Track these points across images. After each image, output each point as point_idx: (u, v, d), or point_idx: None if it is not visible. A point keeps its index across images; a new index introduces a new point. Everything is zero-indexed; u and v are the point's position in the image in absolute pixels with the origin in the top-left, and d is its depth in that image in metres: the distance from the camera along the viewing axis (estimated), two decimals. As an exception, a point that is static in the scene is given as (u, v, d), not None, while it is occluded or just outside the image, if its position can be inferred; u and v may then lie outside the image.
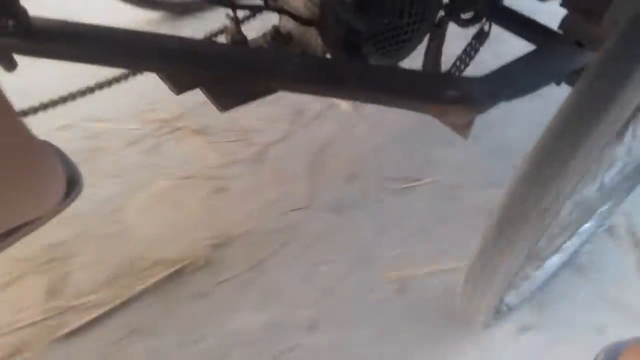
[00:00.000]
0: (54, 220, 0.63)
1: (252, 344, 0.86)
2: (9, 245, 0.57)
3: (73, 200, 0.63)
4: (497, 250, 0.59)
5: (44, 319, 0.85)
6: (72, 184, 0.63)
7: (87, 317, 0.86)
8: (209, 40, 0.85)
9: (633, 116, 0.72)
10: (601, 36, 0.65)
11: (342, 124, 1.29)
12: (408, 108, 0.66)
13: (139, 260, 0.95)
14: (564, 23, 0.70)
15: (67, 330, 0.84)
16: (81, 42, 0.68)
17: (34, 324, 0.85)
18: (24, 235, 0.58)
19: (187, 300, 0.91)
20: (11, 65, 0.63)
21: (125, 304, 0.88)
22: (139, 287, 0.90)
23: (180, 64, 0.69)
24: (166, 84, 0.76)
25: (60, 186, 0.61)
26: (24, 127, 0.55)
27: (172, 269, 0.94)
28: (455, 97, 0.62)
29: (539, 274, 0.92)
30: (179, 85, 0.75)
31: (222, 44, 0.75)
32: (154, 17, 1.64)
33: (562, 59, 0.72)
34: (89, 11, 1.59)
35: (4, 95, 0.51)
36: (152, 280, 0.91)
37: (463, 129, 0.67)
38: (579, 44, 0.72)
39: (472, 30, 0.84)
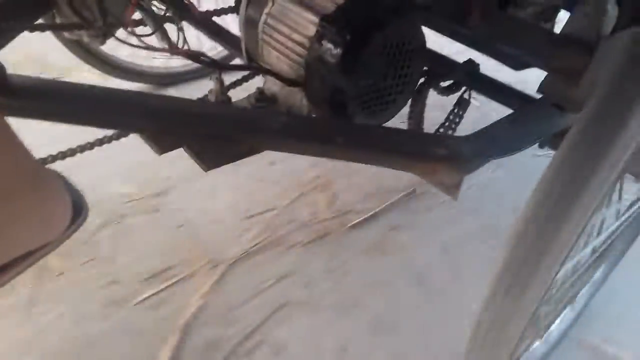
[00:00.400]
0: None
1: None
2: (18, 273, 0.56)
3: (79, 226, 0.64)
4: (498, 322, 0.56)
5: (332, 218, 1.22)
6: (78, 211, 0.64)
7: (361, 217, 1.22)
8: (194, 100, 0.85)
9: (619, 178, 0.72)
10: (580, 98, 0.66)
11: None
12: (396, 167, 0.65)
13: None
14: (542, 86, 0.72)
15: (349, 224, 1.21)
16: (60, 101, 0.67)
17: (325, 220, 1.21)
18: (32, 263, 0.58)
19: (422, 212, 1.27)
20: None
21: (384, 210, 1.26)
22: (388, 202, 1.28)
23: (164, 123, 0.68)
24: (148, 144, 0.74)
25: (67, 212, 0.62)
26: (29, 155, 0.55)
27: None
28: (444, 155, 0.61)
29: (539, 347, 0.88)
30: (162, 145, 0.73)
31: (206, 103, 0.75)
32: (139, 89, 1.65)
33: (542, 121, 0.74)
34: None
35: (7, 124, 0.51)
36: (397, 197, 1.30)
37: (452, 190, 0.66)
38: (559, 107, 0.74)
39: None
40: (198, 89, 1.65)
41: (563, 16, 0.75)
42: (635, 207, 0.85)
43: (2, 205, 0.51)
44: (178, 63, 1.64)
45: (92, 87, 0.69)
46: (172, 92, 1.65)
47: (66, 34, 1.06)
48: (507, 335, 0.56)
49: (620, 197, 0.79)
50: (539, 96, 0.77)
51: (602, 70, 0.61)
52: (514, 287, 0.53)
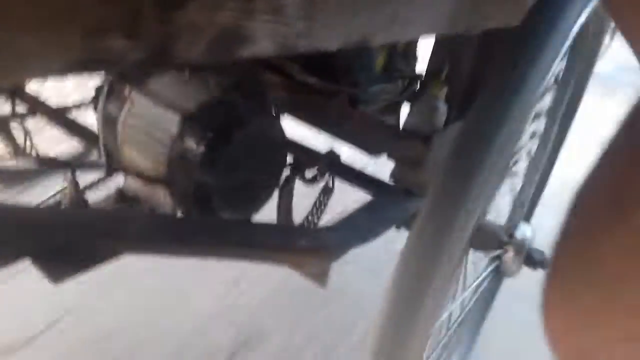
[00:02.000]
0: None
1: None
2: None
3: None
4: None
5: None
6: None
7: None
8: (38, 206, 0.78)
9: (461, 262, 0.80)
10: (424, 183, 0.74)
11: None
12: (263, 260, 0.65)
13: None
14: (392, 174, 0.79)
15: None
16: None
17: None
18: None
19: None
20: None
21: None
22: None
23: (1, 233, 0.61)
24: (-17, 257, 0.65)
25: None
26: None
27: None
28: (307, 246, 0.63)
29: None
30: (3, 258, 0.65)
31: (53, 208, 0.69)
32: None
33: (396, 207, 0.80)
34: None
35: None
36: None
37: (320, 278, 0.67)
38: (406, 191, 0.81)
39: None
40: (50, 188, 1.52)
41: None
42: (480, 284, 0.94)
43: None
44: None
45: None
46: (19, 191, 1.51)
47: None
48: None
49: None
50: (391, 183, 0.84)
51: (438, 158, 0.69)
52: None
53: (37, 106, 0.91)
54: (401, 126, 0.83)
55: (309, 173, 0.90)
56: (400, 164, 0.76)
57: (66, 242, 0.62)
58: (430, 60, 0.76)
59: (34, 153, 0.68)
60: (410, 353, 0.54)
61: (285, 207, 0.87)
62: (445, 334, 0.80)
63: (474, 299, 0.88)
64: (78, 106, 1.04)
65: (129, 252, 0.68)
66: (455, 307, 0.81)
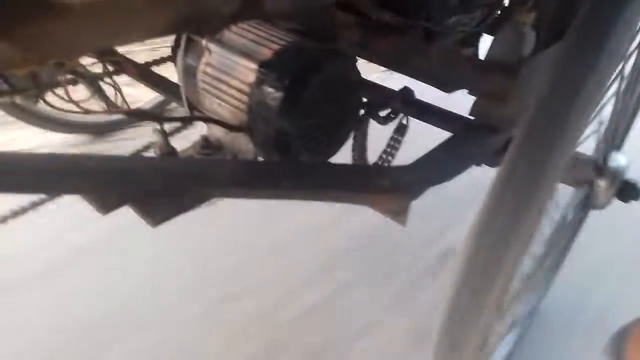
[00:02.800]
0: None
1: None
2: None
3: None
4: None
5: None
6: None
7: None
8: (135, 155, 0.84)
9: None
10: (509, 117, 0.71)
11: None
12: (346, 202, 0.67)
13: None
14: (473, 109, 0.76)
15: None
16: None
17: None
18: None
19: None
20: None
21: None
22: None
23: (105, 183, 0.67)
24: (91, 204, 0.72)
25: None
26: None
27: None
28: (386, 186, 0.63)
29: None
30: (105, 205, 0.71)
31: (148, 157, 0.74)
32: (76, 141, 1.61)
33: (477, 143, 0.78)
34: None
35: None
36: None
37: (399, 217, 0.68)
38: (489, 127, 0.78)
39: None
40: (140, 136, 1.63)
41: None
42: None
43: None
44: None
45: (26, 154, 0.67)
46: (112, 141, 1.63)
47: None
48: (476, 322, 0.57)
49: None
50: (471, 118, 0.81)
51: (526, 89, 0.65)
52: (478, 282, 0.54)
53: (124, 64, 0.96)
54: (481, 58, 0.79)
55: (383, 112, 0.89)
56: (483, 99, 0.72)
57: (161, 188, 0.67)
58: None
59: (125, 107, 0.73)
60: (496, 289, 0.54)
61: (359, 147, 0.87)
62: (529, 271, 0.79)
63: (558, 233, 0.85)
64: (158, 62, 1.08)
65: (217, 196, 0.72)
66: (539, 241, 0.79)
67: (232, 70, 0.75)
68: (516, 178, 0.52)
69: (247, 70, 0.73)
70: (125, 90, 0.82)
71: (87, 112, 0.65)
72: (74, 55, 0.67)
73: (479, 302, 0.54)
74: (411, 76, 0.95)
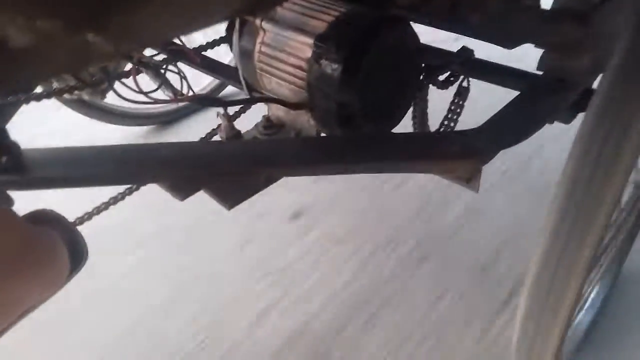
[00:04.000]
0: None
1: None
2: (13, 325, 0.57)
3: (78, 272, 0.64)
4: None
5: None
6: (76, 256, 0.65)
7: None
8: (204, 141, 0.86)
9: None
10: (583, 68, 0.66)
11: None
12: (413, 171, 0.66)
13: None
14: (542, 63, 0.72)
15: None
16: (77, 166, 0.68)
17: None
18: (28, 314, 0.59)
19: None
20: (8, 203, 0.62)
21: None
22: None
23: (181, 169, 0.69)
24: (168, 192, 0.76)
25: (63, 266, 0.62)
26: (16, 219, 0.55)
27: None
28: (458, 151, 0.61)
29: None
30: (182, 191, 0.74)
31: (217, 142, 0.76)
32: (142, 132, 1.68)
33: (548, 99, 0.74)
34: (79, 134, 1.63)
35: None
36: None
37: (472, 183, 0.66)
38: (561, 81, 0.74)
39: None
40: (202, 122, 1.68)
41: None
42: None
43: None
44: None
45: (105, 147, 0.70)
46: (177, 128, 1.68)
47: (66, 95, 1.09)
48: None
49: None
50: (538, 73, 0.77)
51: (604, 36, 0.60)
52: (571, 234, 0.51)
53: (182, 51, 0.98)
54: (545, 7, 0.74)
55: (442, 76, 0.86)
56: (552, 51, 0.68)
57: (232, 171, 0.69)
58: None
59: (190, 93, 0.75)
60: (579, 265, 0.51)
61: (420, 115, 0.85)
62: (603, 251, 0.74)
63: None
64: (212, 45, 1.10)
65: (284, 176, 0.73)
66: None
67: (288, 47, 0.75)
68: (604, 130, 0.48)
69: (304, 46, 0.73)
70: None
71: (155, 102, 0.68)
72: (159, 42, 0.69)
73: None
74: (469, 35, 0.91)
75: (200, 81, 1.64)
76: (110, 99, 1.15)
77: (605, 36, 0.64)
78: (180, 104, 1.62)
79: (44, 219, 0.67)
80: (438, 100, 0.87)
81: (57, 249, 0.62)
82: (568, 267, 0.50)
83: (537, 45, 0.72)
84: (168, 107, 1.62)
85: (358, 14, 0.72)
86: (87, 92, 1.03)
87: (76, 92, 1.02)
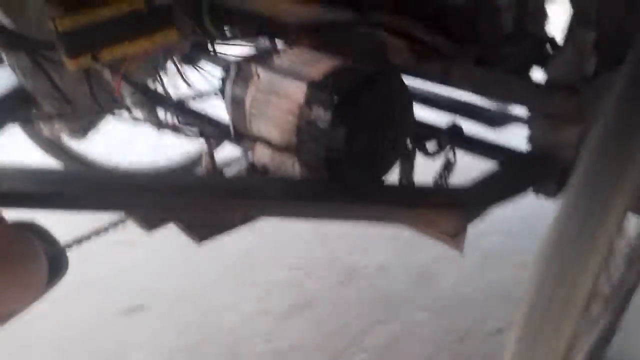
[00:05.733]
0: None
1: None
2: None
3: (57, 283, 0.63)
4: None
5: None
6: (56, 268, 0.63)
7: None
8: (185, 173, 0.83)
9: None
10: (572, 139, 0.68)
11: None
12: (397, 221, 0.64)
13: None
14: (530, 136, 0.74)
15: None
16: (42, 184, 0.64)
17: None
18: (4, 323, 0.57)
19: None
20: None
21: None
22: None
23: (153, 197, 0.66)
24: (135, 223, 0.71)
25: (42, 273, 0.60)
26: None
27: None
28: (444, 202, 0.60)
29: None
30: (150, 223, 0.70)
31: (195, 175, 0.74)
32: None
33: (533, 168, 0.74)
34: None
35: None
36: None
37: (456, 241, 0.64)
38: (547, 155, 0.74)
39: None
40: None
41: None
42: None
43: None
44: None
45: (74, 173, 0.67)
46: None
47: (46, 133, 1.07)
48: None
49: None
50: (522, 149, 0.78)
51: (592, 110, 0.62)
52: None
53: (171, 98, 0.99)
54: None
55: (430, 146, 0.87)
56: (543, 122, 0.70)
57: (207, 206, 0.66)
58: (574, 3, 0.70)
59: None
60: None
61: (406, 176, 0.85)
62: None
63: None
64: (201, 95, 1.12)
65: (263, 215, 0.70)
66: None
67: (281, 92, 0.75)
68: (583, 206, 0.48)
69: (297, 90, 0.73)
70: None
71: (139, 121, 0.66)
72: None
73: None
74: (457, 113, 0.94)
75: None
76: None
77: (592, 111, 0.66)
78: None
79: (27, 227, 0.66)
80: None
81: (37, 256, 0.61)
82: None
83: (533, 116, 0.74)
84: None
85: (354, 67, 0.73)
86: (68, 128, 1.01)
87: (56, 127, 1.01)
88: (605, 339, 0.83)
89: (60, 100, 0.87)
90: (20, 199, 0.64)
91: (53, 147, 1.41)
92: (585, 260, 0.48)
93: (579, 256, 0.48)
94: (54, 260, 0.63)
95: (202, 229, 0.67)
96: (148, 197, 0.66)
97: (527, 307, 0.50)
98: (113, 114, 0.80)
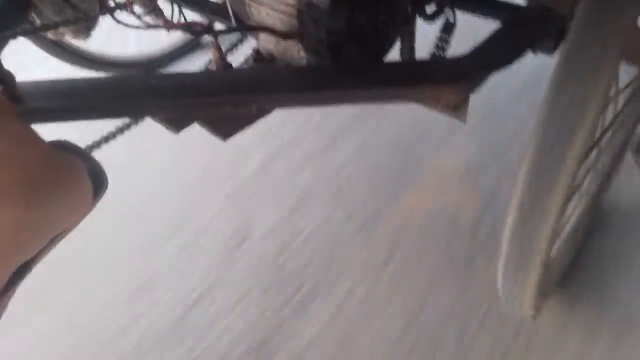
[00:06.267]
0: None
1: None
2: (42, 257, 0.57)
3: (99, 200, 0.64)
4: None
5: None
6: (97, 183, 0.65)
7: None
8: (197, 71, 0.86)
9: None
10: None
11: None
12: (402, 99, 0.68)
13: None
14: (528, -7, 0.73)
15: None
16: (72, 98, 0.69)
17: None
18: (54, 246, 0.59)
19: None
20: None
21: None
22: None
23: (174, 99, 0.70)
24: (162, 125, 0.76)
25: (88, 192, 0.62)
26: (42, 143, 0.54)
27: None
28: (445, 76, 0.63)
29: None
30: (176, 124, 0.75)
31: (208, 72, 0.77)
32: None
33: (532, 27, 0.75)
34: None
35: (18, 122, 0.50)
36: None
37: (459, 112, 0.68)
38: (545, 9, 0.75)
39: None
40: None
41: None
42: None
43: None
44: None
45: (99, 79, 0.70)
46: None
47: (49, 35, 1.07)
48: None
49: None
50: (523, 4, 0.78)
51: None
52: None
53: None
54: None
55: (429, 8, 0.86)
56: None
57: (224, 102, 0.70)
58: None
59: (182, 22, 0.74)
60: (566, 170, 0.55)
61: (408, 49, 0.86)
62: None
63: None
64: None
65: (277, 106, 0.75)
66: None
67: (279, -24, 0.74)
68: (582, 55, 0.51)
69: (295, -27, 0.72)
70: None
71: (149, 27, 0.67)
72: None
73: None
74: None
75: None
76: (96, 46, 1.12)
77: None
78: (166, 52, 1.60)
79: (64, 146, 0.66)
80: (425, 38, 0.88)
81: (81, 173, 0.62)
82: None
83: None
84: (153, 54, 1.60)
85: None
86: (71, 30, 1.01)
87: (60, 30, 1.00)
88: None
89: (61, 3, 0.87)
90: (52, 114, 0.69)
91: (58, 48, 1.41)
92: (585, 105, 0.54)
93: (580, 100, 0.54)
94: (93, 176, 0.65)
95: (224, 126, 0.72)
96: (169, 99, 0.70)
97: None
98: (113, 14, 0.79)
